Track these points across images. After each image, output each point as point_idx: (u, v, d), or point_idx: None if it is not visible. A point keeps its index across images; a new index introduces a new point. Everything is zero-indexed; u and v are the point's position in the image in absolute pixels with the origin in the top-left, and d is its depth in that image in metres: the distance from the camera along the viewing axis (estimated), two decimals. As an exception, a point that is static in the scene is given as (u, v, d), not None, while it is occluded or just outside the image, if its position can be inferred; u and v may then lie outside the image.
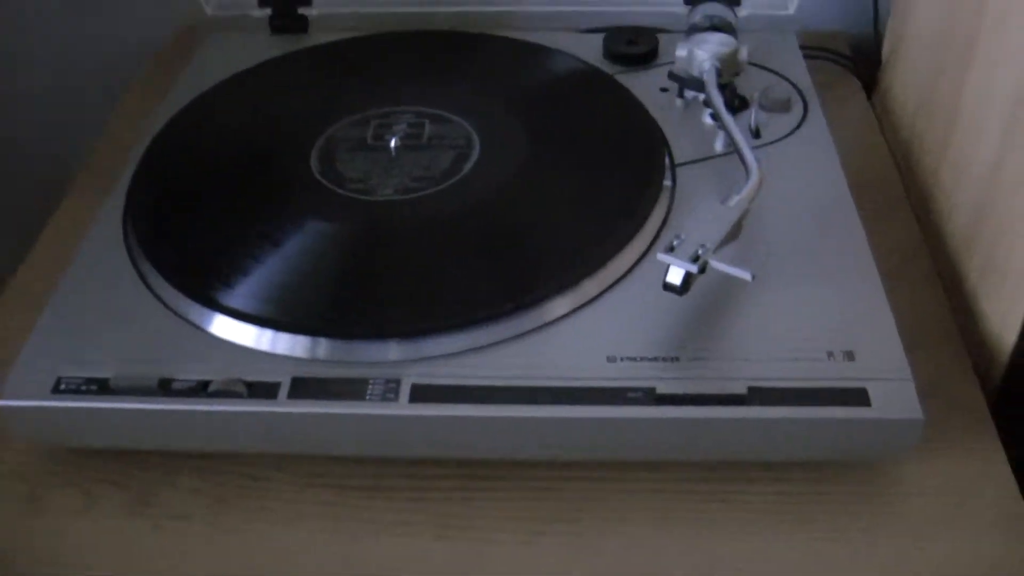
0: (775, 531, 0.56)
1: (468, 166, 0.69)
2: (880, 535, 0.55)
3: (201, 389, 0.57)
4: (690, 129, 0.74)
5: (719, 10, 0.82)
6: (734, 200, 0.61)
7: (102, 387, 0.57)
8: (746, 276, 0.56)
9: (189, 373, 0.57)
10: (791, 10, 0.84)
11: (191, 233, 0.66)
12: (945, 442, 0.58)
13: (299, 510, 0.58)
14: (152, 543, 0.56)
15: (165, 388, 0.57)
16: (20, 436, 0.59)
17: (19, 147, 1.10)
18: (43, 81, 1.06)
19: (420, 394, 0.56)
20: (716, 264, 0.56)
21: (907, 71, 0.82)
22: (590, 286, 0.61)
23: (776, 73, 0.80)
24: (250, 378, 0.57)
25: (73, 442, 0.60)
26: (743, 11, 0.83)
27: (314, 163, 0.70)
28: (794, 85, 0.78)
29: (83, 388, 0.57)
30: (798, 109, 0.76)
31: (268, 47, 0.85)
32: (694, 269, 0.56)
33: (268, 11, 0.88)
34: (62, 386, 0.57)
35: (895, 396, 0.54)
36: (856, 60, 0.90)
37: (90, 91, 1.04)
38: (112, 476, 0.60)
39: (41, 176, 1.05)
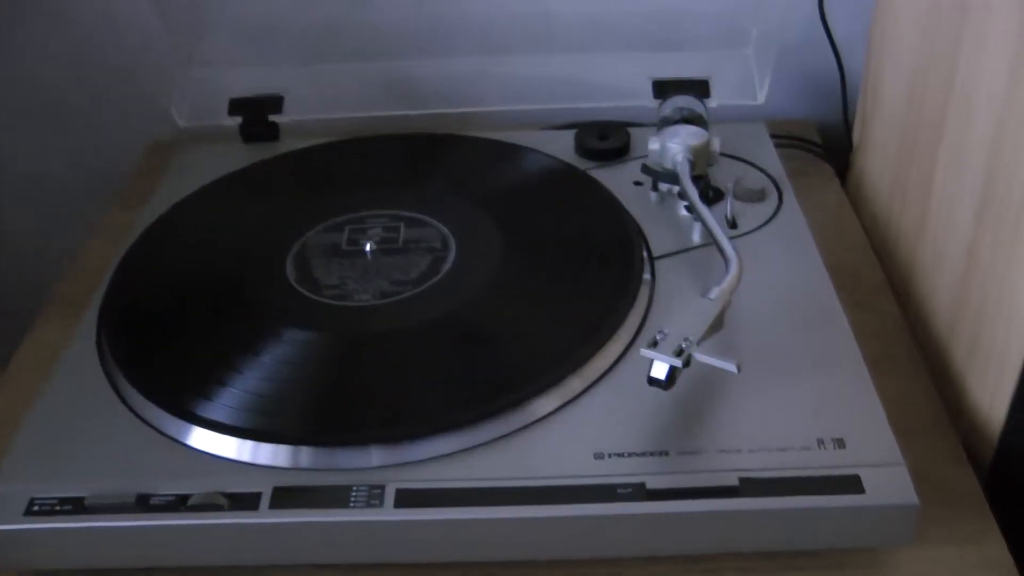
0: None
1: (446, 268, 0.69)
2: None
3: (180, 503, 0.55)
4: (666, 221, 0.74)
5: (689, 102, 0.82)
6: (715, 292, 0.60)
7: (77, 506, 0.56)
8: (732, 368, 0.55)
9: (168, 488, 0.56)
10: (760, 100, 0.85)
11: (167, 346, 0.66)
12: (942, 527, 0.57)
13: (285, 624, 0.56)
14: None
15: (143, 504, 0.55)
16: (-7, 561, 0.57)
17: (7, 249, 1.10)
18: (15, 197, 1.06)
19: (405, 499, 0.55)
20: (701, 357, 0.56)
21: (878, 154, 0.82)
22: (574, 383, 0.60)
23: (749, 163, 0.80)
24: (231, 490, 0.56)
25: (48, 565, 0.58)
26: (712, 102, 0.84)
27: (290, 270, 0.70)
28: (767, 174, 0.79)
29: (57, 508, 0.56)
30: (772, 198, 0.76)
31: (240, 156, 0.86)
32: (679, 363, 0.55)
33: (239, 120, 0.88)
34: (35, 507, 0.56)
35: (888, 482, 0.54)
36: (826, 146, 0.91)
37: (63, 210, 1.03)
38: (89, 598, 0.58)
39: (12, 298, 1.05)
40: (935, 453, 0.62)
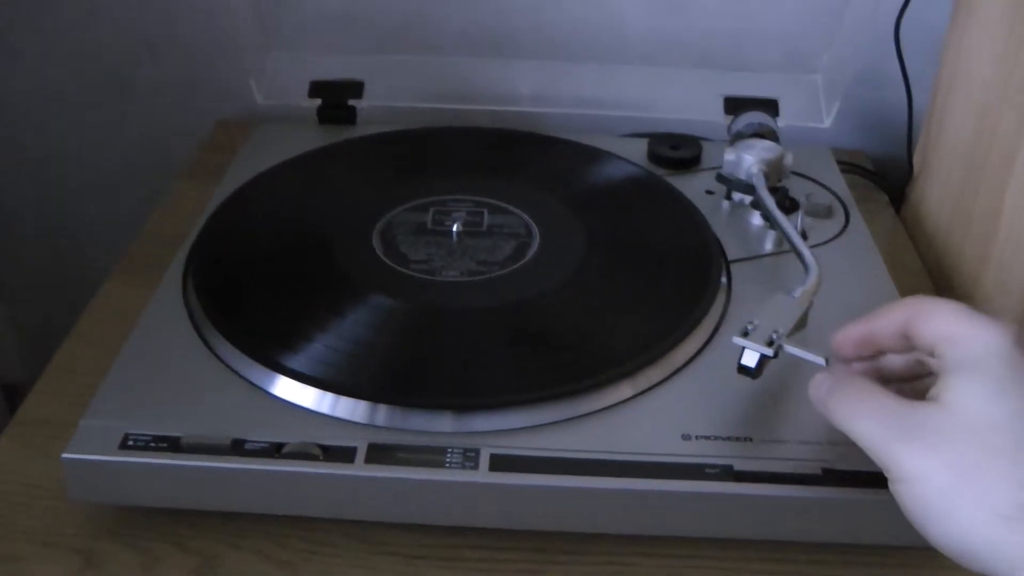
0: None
1: (531, 253, 0.71)
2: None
3: (275, 451, 0.56)
4: (737, 230, 0.77)
5: (762, 118, 0.85)
6: (799, 291, 0.62)
7: (172, 445, 0.57)
8: (820, 361, 0.57)
9: (260, 435, 0.57)
10: (826, 124, 0.88)
11: (258, 300, 0.67)
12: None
13: (368, 578, 0.57)
14: (219, 604, 0.56)
15: (238, 448, 0.57)
16: (81, 493, 0.58)
17: (67, 231, 1.11)
18: (89, 169, 1.07)
19: (499, 464, 0.56)
20: (790, 349, 0.58)
21: (939, 183, 0.85)
22: (663, 367, 0.62)
23: (816, 181, 0.83)
24: (324, 442, 0.57)
25: (136, 501, 0.59)
26: (780, 122, 0.87)
27: (376, 243, 0.71)
28: (834, 193, 0.81)
29: (152, 445, 0.57)
30: (839, 216, 0.79)
31: (316, 137, 0.87)
32: (769, 352, 0.57)
33: (318, 102, 0.90)
34: (130, 442, 0.57)
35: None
36: (883, 175, 0.93)
37: (137, 178, 1.05)
38: (173, 538, 0.59)
39: (88, 258, 1.06)
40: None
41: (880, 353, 0.56)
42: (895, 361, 0.55)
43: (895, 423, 0.49)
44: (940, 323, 0.51)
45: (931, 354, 0.51)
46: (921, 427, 0.48)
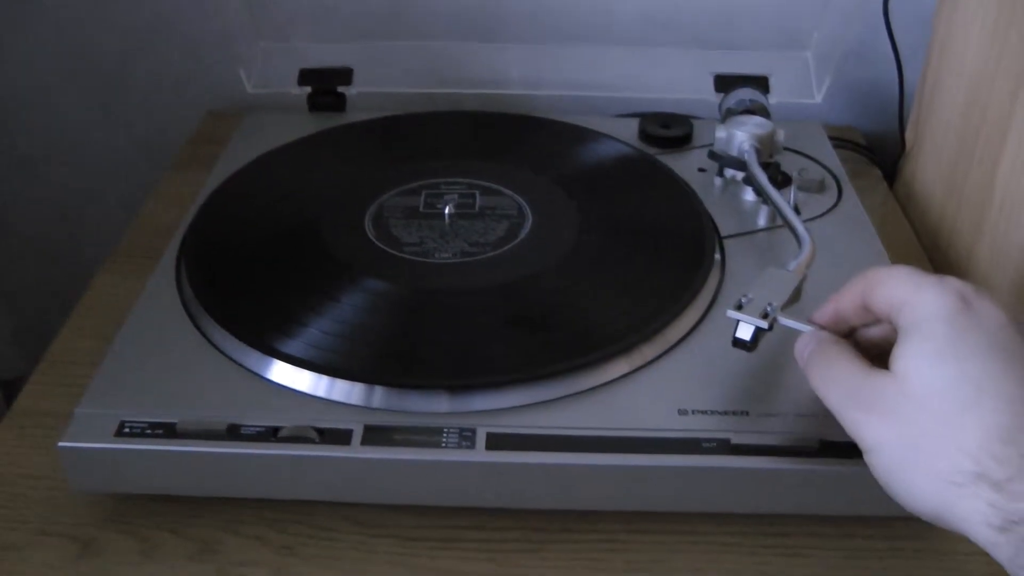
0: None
1: (523, 234, 0.71)
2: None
3: (271, 435, 0.56)
4: (730, 206, 0.76)
5: (753, 94, 0.85)
6: (793, 265, 0.62)
7: (168, 431, 0.57)
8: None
9: (256, 420, 0.57)
10: (818, 99, 0.88)
11: (252, 286, 0.67)
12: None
13: (367, 560, 0.57)
14: (218, 588, 0.56)
15: (234, 433, 0.57)
16: (79, 482, 0.58)
17: (57, 218, 1.11)
18: (81, 163, 1.07)
19: (496, 442, 0.56)
20: (785, 321, 0.57)
21: (932, 157, 0.85)
22: (657, 344, 0.62)
23: (808, 157, 0.82)
24: (320, 425, 0.57)
25: (134, 488, 0.59)
26: (771, 98, 0.87)
27: (369, 228, 0.71)
28: (827, 168, 0.81)
29: (148, 432, 0.57)
30: (832, 191, 0.79)
31: (307, 125, 0.87)
32: (764, 325, 0.57)
33: (308, 90, 0.90)
34: (126, 429, 0.57)
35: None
36: (875, 151, 0.93)
37: (130, 171, 1.05)
38: (171, 525, 0.59)
39: (83, 252, 1.06)
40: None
41: (853, 329, 0.56)
42: (874, 331, 0.55)
43: (856, 393, 0.49)
44: (890, 291, 0.51)
45: (889, 323, 0.51)
46: (877, 398, 0.48)
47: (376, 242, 0.70)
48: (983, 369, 0.46)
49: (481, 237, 0.70)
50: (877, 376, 0.49)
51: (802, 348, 0.54)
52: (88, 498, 0.60)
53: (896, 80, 0.90)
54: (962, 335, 0.47)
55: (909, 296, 0.50)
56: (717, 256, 0.70)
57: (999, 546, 0.44)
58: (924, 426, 0.46)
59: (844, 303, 0.54)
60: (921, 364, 0.47)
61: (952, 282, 0.49)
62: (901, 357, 0.48)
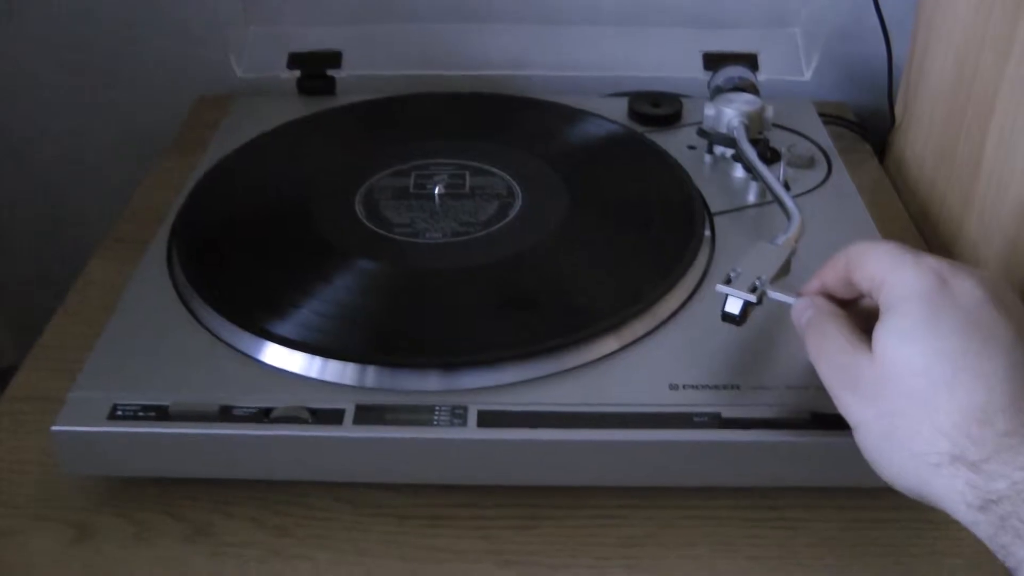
0: (839, 556, 0.56)
1: (513, 212, 0.71)
2: (944, 562, 0.56)
3: (263, 416, 0.57)
4: (719, 183, 0.77)
5: (741, 72, 0.85)
6: (781, 239, 0.62)
7: (160, 414, 0.57)
8: (804, 305, 0.57)
9: (249, 401, 0.57)
10: (807, 76, 0.88)
11: (243, 269, 0.67)
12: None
13: (361, 540, 0.57)
14: (211, 569, 0.56)
15: (226, 415, 0.57)
16: (72, 465, 0.58)
17: (48, 207, 1.11)
18: (73, 151, 1.07)
19: (488, 419, 0.56)
20: (773, 294, 0.58)
21: (922, 131, 0.85)
22: (647, 320, 0.62)
23: (798, 133, 0.83)
24: (312, 406, 0.57)
25: (127, 471, 0.59)
26: (760, 76, 0.87)
27: (359, 209, 0.71)
28: (816, 144, 0.81)
29: (140, 415, 0.57)
30: (821, 167, 0.79)
31: (297, 108, 0.87)
32: (753, 299, 0.57)
33: (297, 73, 0.90)
34: (118, 412, 0.57)
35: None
36: (866, 127, 0.93)
37: (121, 157, 1.05)
38: (165, 508, 0.59)
39: (75, 240, 1.06)
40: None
41: (844, 301, 0.55)
42: (868, 302, 0.55)
43: (842, 371, 0.50)
44: (870, 269, 0.51)
45: (872, 299, 0.51)
46: (860, 377, 0.48)
47: (366, 223, 0.70)
48: (959, 347, 0.46)
49: (471, 217, 0.70)
50: (861, 355, 0.49)
51: (799, 315, 0.54)
52: (82, 482, 0.60)
53: (885, 55, 0.90)
54: (938, 313, 0.47)
55: (887, 275, 0.50)
56: (707, 232, 0.70)
57: (979, 524, 0.44)
58: (901, 406, 0.46)
59: (828, 278, 0.54)
60: (897, 343, 0.47)
61: (928, 260, 0.49)
62: (880, 337, 0.48)
